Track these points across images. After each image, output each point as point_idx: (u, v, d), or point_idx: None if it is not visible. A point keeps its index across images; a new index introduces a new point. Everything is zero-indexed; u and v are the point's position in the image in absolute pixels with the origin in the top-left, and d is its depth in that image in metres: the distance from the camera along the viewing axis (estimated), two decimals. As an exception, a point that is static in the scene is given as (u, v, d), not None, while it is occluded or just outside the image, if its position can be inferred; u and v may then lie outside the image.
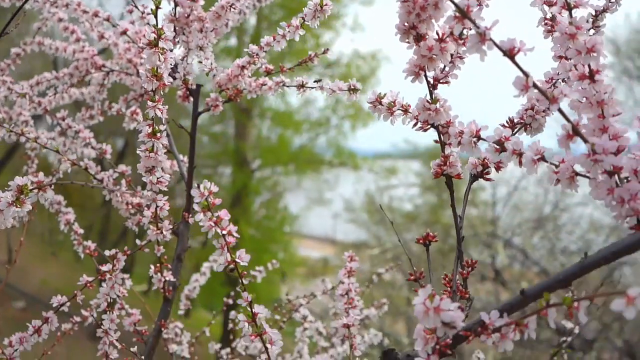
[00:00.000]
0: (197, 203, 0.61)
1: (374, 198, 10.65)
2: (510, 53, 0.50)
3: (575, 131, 0.51)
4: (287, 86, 0.97)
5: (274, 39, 0.91)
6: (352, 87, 0.85)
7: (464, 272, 0.63)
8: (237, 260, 0.63)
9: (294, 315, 1.33)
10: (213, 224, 0.61)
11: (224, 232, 0.62)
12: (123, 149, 11.95)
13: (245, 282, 0.65)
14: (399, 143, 11.08)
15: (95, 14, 1.10)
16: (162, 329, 0.99)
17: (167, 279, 0.97)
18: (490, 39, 0.50)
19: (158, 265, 0.96)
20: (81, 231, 1.10)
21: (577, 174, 0.54)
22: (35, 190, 0.68)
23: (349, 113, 12.35)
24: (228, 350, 1.34)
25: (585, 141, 0.51)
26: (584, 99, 0.54)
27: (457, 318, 0.50)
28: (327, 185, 12.57)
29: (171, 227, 0.91)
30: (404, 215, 9.97)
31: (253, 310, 0.64)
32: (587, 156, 0.51)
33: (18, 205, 0.67)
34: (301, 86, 0.95)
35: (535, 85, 0.50)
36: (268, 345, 0.64)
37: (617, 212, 0.51)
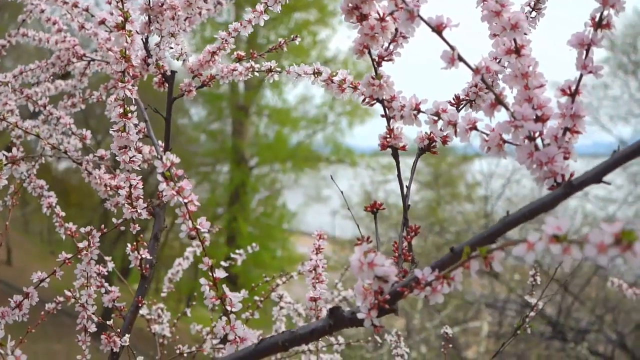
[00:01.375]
0: (160, 173, 0.65)
1: (371, 194, 10.69)
2: (438, 29, 0.55)
3: (498, 100, 0.56)
4: (257, 71, 1.01)
5: (241, 24, 0.96)
6: (316, 70, 0.89)
7: (409, 237, 0.68)
8: (198, 227, 0.67)
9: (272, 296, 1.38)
10: (175, 193, 0.66)
11: (186, 200, 0.66)
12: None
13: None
14: (396, 139, 11.09)
15: (75, 5, 1.14)
16: (140, 305, 1.03)
17: (143, 256, 1.01)
18: (419, 16, 0.54)
19: (135, 243, 1.00)
20: (63, 214, 1.14)
21: (504, 141, 0.58)
22: (9, 165, 0.72)
23: (346, 110, 12.40)
24: (208, 329, 1.39)
25: (507, 109, 0.55)
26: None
27: (390, 272, 0.55)
28: (324, 182, 12.63)
29: (145, 205, 0.95)
30: (401, 211, 9.99)
31: (214, 275, 0.69)
32: (509, 123, 0.56)
33: (-6, 180, 0.71)
34: (269, 70, 1.00)
35: (460, 58, 0.55)
36: (228, 307, 0.69)
37: (537, 175, 0.55)
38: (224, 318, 0.69)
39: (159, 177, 0.66)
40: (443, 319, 5.41)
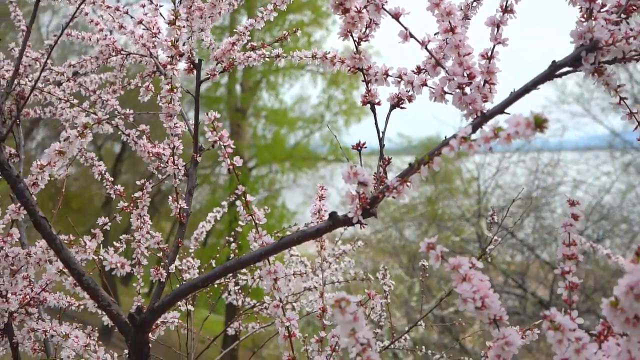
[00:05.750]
0: (206, 125, 0.92)
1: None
2: (396, 16, 0.82)
3: (437, 63, 0.83)
4: (267, 57, 1.28)
5: (255, 21, 1.23)
6: (314, 54, 1.16)
7: (384, 165, 0.94)
8: (234, 163, 0.94)
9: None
10: (218, 139, 0.93)
11: (225, 144, 0.93)
12: (120, 152, 12.28)
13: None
14: (393, 138, 11.40)
15: (117, 9, 1.41)
16: (179, 245, 1.30)
17: (182, 206, 1.28)
18: (383, 8, 0.81)
19: (175, 195, 1.27)
20: (111, 179, 1.41)
21: (445, 92, 0.85)
22: (96, 125, 0.99)
23: (342, 109, 12.67)
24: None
25: (443, 68, 0.82)
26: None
27: (369, 179, 0.82)
28: (323, 181, 12.86)
29: (185, 164, 1.22)
30: (400, 207, 10.28)
31: (247, 199, 0.96)
32: (445, 78, 0.83)
33: (82, 137, 0.98)
34: (278, 56, 1.26)
35: (410, 35, 0.82)
36: (257, 221, 0.96)
37: (466, 112, 0.83)
38: (254, 230, 0.96)
39: (206, 128, 0.93)
40: (438, 300, 5.67)
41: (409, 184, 0.81)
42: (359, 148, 0.97)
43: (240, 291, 1.72)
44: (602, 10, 0.78)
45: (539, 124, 0.59)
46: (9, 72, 1.67)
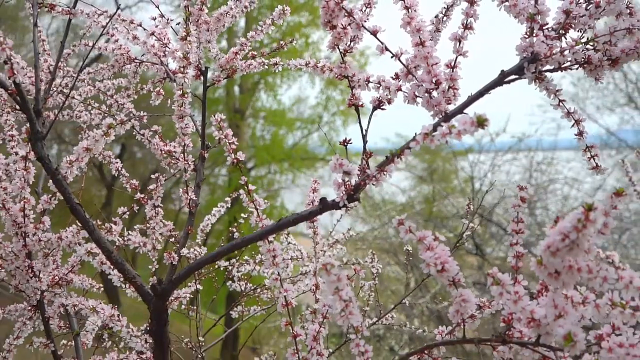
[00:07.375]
0: (213, 125, 1.08)
1: (367, 192, 11.05)
2: (374, 33, 0.98)
3: (409, 71, 0.99)
4: (267, 65, 1.45)
5: (256, 33, 1.40)
6: (307, 63, 1.32)
7: (367, 157, 1.10)
8: (238, 157, 1.10)
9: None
10: (223, 137, 1.09)
11: (230, 141, 1.09)
12: (120, 154, 12.43)
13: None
14: (391, 137, 11.56)
15: (131, 22, 1.57)
16: (189, 233, 1.46)
17: (191, 197, 1.44)
18: (363, 26, 0.97)
19: (185, 188, 1.43)
20: (127, 175, 1.57)
21: (416, 95, 1.01)
22: (119, 125, 1.15)
23: (340, 109, 12.82)
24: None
25: (413, 76, 0.99)
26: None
27: (352, 168, 0.98)
28: (322, 182, 13.03)
29: (194, 159, 1.38)
30: (396, 206, 10.43)
31: (248, 188, 1.12)
32: (416, 84, 0.99)
33: (107, 136, 1.14)
34: (275, 64, 1.43)
35: (386, 48, 0.98)
36: (258, 207, 1.12)
37: (433, 113, 0.99)
38: (255, 213, 1.12)
39: (213, 128, 1.09)
40: (433, 295, 5.84)
41: (385, 173, 0.97)
42: (346, 144, 1.13)
43: (243, 277, 1.88)
44: (544, 27, 0.94)
45: (481, 122, 0.75)
46: (24, 75, 1.83)
